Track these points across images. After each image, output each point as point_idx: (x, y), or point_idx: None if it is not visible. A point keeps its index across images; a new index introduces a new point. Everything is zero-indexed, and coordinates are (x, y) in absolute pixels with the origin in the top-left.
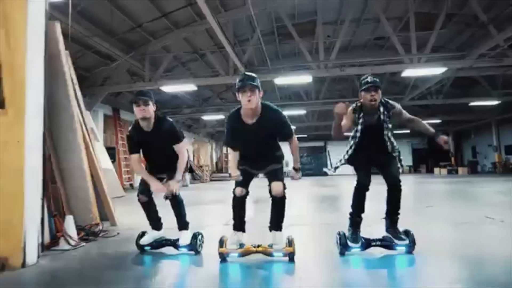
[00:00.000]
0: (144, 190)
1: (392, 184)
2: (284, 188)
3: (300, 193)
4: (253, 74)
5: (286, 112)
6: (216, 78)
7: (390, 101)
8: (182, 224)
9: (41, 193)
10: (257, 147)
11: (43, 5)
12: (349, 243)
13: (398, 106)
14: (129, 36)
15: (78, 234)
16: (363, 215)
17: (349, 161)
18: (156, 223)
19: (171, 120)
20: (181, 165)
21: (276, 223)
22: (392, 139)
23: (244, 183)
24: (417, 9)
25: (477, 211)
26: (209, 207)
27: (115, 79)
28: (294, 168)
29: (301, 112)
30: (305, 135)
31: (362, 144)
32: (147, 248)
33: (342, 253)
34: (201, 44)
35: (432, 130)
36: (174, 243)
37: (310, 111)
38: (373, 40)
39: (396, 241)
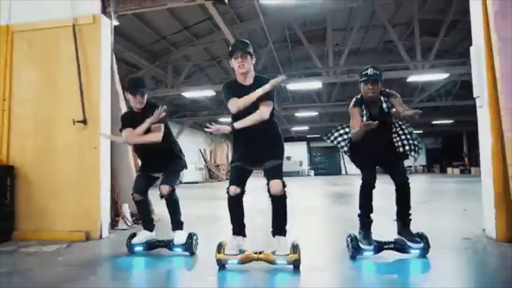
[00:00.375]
0: (139, 189)
1: (400, 183)
2: (284, 186)
3: (312, 190)
4: (246, 41)
5: (298, 114)
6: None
7: (391, 91)
8: (177, 224)
9: (109, 187)
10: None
11: (110, 39)
12: (361, 246)
13: (398, 95)
14: (154, 47)
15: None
16: (372, 216)
17: (353, 157)
18: (148, 223)
19: (155, 102)
20: (147, 136)
21: (278, 226)
22: (407, 130)
23: (239, 180)
24: (422, 16)
25: (458, 205)
26: (224, 202)
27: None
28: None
29: (314, 113)
30: (318, 135)
31: (366, 139)
32: (138, 249)
33: (353, 257)
34: (218, 51)
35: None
36: (167, 244)
37: (324, 113)
38: (383, 44)
39: (410, 244)
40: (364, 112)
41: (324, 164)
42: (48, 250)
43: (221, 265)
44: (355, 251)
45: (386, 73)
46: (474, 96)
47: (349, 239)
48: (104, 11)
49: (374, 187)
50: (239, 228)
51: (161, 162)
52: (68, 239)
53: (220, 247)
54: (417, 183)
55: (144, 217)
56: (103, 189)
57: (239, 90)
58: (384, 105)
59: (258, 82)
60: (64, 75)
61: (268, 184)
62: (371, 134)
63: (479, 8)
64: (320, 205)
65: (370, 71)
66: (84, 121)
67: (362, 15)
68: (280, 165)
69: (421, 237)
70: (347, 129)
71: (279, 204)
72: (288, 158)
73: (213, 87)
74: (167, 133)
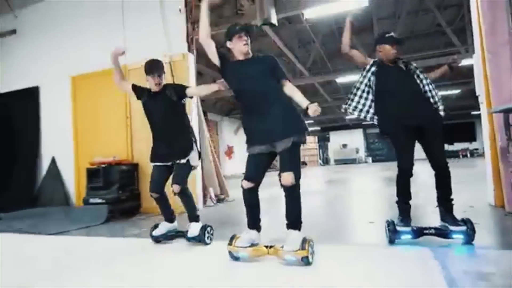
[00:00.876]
0: (154, 189)
1: (438, 166)
2: (297, 177)
3: (366, 176)
4: (249, 24)
5: None
6: None
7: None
8: (192, 217)
9: (200, 174)
10: (256, 86)
11: (194, 69)
12: (399, 228)
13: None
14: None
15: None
16: (411, 203)
17: (382, 126)
18: (168, 215)
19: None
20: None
21: (290, 219)
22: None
23: (254, 172)
24: None
25: None
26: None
27: None
28: (306, 108)
29: None
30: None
31: (389, 90)
32: (160, 238)
33: (391, 241)
34: (270, 51)
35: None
36: (185, 234)
37: None
38: (435, 27)
39: (452, 227)
40: (372, 71)
41: (382, 151)
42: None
43: (233, 256)
44: (392, 235)
45: (436, 59)
46: (477, 94)
47: (386, 224)
48: (189, 49)
49: (411, 174)
50: (253, 222)
51: (171, 140)
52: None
53: (232, 239)
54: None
55: (164, 210)
56: (197, 176)
57: (234, 66)
58: (403, 62)
59: (255, 59)
60: None
61: (279, 174)
62: (395, 82)
63: (476, 24)
64: (373, 188)
65: (394, 34)
66: None
67: (410, 2)
68: (296, 149)
69: (465, 222)
70: (365, 89)
71: (290, 195)
72: (345, 145)
73: None
74: (183, 114)
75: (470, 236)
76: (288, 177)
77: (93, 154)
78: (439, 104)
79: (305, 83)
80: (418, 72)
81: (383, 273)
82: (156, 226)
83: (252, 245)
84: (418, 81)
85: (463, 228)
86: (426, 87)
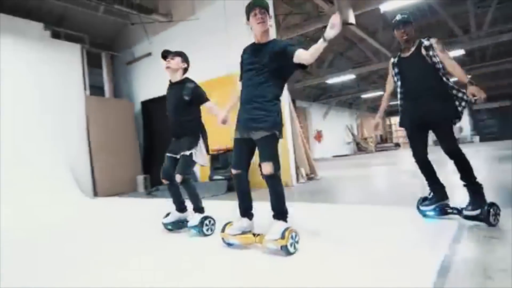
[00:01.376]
0: (165, 175)
1: (447, 152)
2: (275, 168)
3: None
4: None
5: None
6: (369, 66)
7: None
8: (195, 207)
9: (293, 156)
10: (256, 78)
11: None
12: (421, 207)
13: (440, 41)
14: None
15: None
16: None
17: (400, 121)
18: (179, 205)
19: (195, 83)
20: (214, 108)
21: (274, 209)
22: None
23: (237, 159)
24: None
25: None
26: (360, 169)
27: (291, 78)
28: (323, 37)
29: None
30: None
31: (405, 91)
32: (169, 227)
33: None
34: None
35: (466, 79)
36: (186, 224)
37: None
38: None
39: (466, 212)
40: (395, 72)
41: (492, 128)
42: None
43: (226, 243)
44: (419, 211)
45: None
46: None
47: (417, 201)
48: None
49: (427, 161)
50: (244, 210)
51: (179, 130)
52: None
53: (224, 226)
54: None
55: (174, 199)
56: (291, 158)
57: (249, 50)
58: (426, 43)
59: (271, 44)
60: None
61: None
62: (403, 77)
63: None
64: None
65: (398, 16)
66: None
67: None
68: (271, 140)
69: (488, 206)
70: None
71: (271, 185)
72: None
73: (353, 71)
74: (195, 113)
75: (486, 220)
76: (266, 167)
77: (213, 144)
78: (453, 90)
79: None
80: (431, 52)
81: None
82: (168, 214)
83: (243, 232)
84: (430, 62)
85: (476, 212)
86: (438, 66)
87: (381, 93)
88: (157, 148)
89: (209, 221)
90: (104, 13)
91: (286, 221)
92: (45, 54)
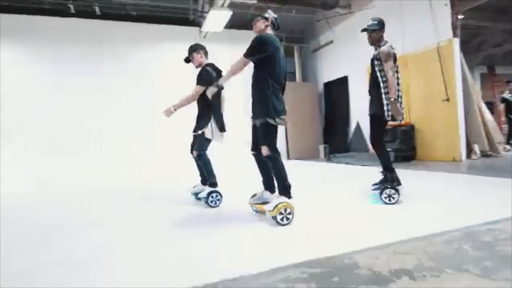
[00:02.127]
0: (191, 149)
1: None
2: (272, 151)
3: None
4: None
5: None
6: None
7: (384, 45)
8: (207, 181)
9: (464, 133)
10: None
11: (459, 51)
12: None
13: (386, 49)
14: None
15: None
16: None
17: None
18: (202, 178)
19: (208, 69)
20: (182, 98)
21: (278, 186)
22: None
23: (252, 142)
24: None
25: None
26: None
27: (489, 43)
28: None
29: None
30: None
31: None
32: (193, 196)
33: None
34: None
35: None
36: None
37: None
38: None
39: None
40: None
41: None
42: (435, 166)
43: (252, 209)
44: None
45: None
46: None
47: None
48: (454, 34)
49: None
50: (266, 183)
51: (198, 112)
52: (442, 159)
53: (253, 196)
54: None
55: (200, 173)
56: (461, 135)
57: None
58: (376, 52)
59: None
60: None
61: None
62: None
63: None
64: None
65: (368, 22)
66: (447, 99)
67: None
68: (265, 127)
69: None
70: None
71: (271, 165)
72: None
73: None
74: (206, 98)
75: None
76: (263, 149)
77: None
78: (385, 98)
79: None
80: (375, 61)
81: None
82: (195, 186)
83: (264, 202)
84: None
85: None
86: (378, 74)
87: None
88: (335, 122)
89: (215, 195)
90: (297, 13)
91: (288, 196)
92: None
